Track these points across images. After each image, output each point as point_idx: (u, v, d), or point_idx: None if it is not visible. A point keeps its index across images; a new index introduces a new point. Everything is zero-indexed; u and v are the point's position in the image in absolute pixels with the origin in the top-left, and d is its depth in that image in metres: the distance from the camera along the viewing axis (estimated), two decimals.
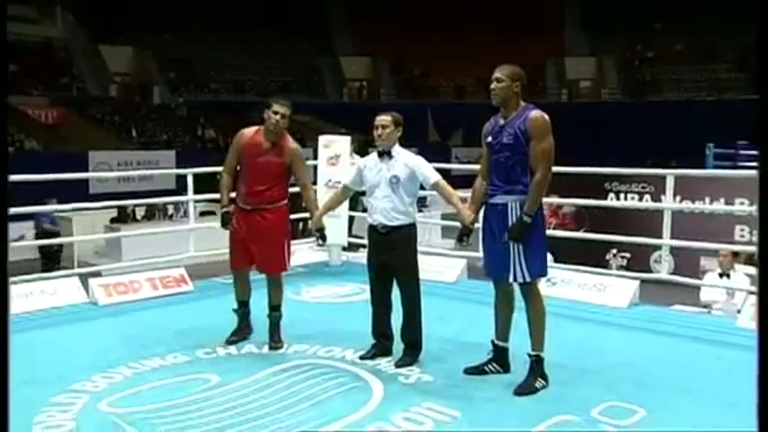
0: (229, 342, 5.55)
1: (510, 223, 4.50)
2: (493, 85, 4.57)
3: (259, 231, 5.44)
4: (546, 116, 4.51)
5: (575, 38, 37.55)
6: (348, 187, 5.49)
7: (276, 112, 5.33)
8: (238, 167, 5.58)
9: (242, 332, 5.67)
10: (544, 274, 4.76)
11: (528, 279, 4.56)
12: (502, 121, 4.59)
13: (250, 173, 5.45)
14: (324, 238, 5.49)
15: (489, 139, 4.63)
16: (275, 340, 5.52)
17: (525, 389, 4.52)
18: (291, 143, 5.49)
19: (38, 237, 13.10)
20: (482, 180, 4.77)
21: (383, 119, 5.09)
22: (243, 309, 5.73)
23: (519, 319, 4.75)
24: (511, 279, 4.58)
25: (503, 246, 4.53)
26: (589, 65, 36.40)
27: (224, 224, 5.55)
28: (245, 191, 5.48)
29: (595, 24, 36.50)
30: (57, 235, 13.47)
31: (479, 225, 4.81)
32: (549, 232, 8.82)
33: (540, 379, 4.57)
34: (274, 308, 5.61)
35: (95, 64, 31.84)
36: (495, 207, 4.61)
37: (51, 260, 13.45)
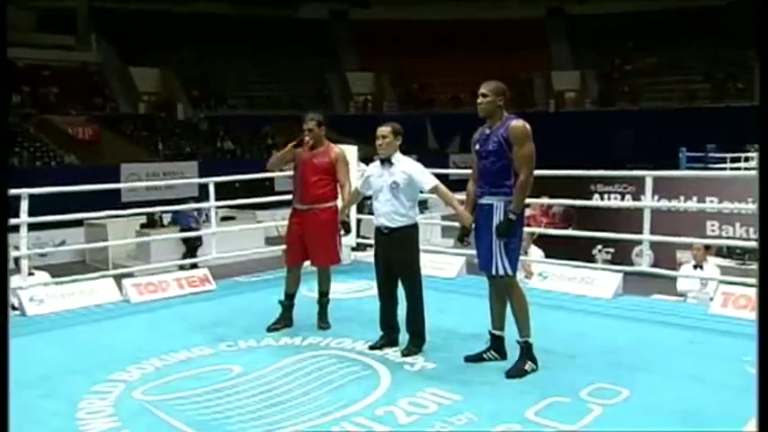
0: (271, 329, 5.67)
1: (495, 221, 4.54)
2: (479, 100, 4.64)
3: (315, 228, 5.66)
4: (526, 125, 4.55)
5: (560, 53, 37.53)
6: (359, 191, 5.57)
7: (303, 130, 5.71)
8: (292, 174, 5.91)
9: (284, 321, 5.78)
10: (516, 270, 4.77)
11: (510, 273, 4.58)
12: (487, 131, 4.63)
13: (306, 174, 5.68)
14: (348, 229, 5.67)
15: (477, 146, 4.69)
16: (323, 322, 5.74)
17: (516, 372, 4.52)
18: (335, 147, 5.82)
19: (181, 231, 14.09)
20: (473, 184, 4.79)
21: (383, 130, 5.10)
22: (289, 301, 5.86)
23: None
24: (493, 272, 4.60)
25: (488, 242, 4.58)
26: (573, 78, 36.35)
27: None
28: (301, 192, 5.71)
29: (578, 41, 36.50)
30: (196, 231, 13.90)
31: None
32: (541, 230, 8.89)
33: (529, 362, 4.57)
34: (323, 294, 5.82)
35: (126, 84, 31.96)
36: (482, 207, 4.66)
37: (191, 251, 14.06)
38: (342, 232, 5.63)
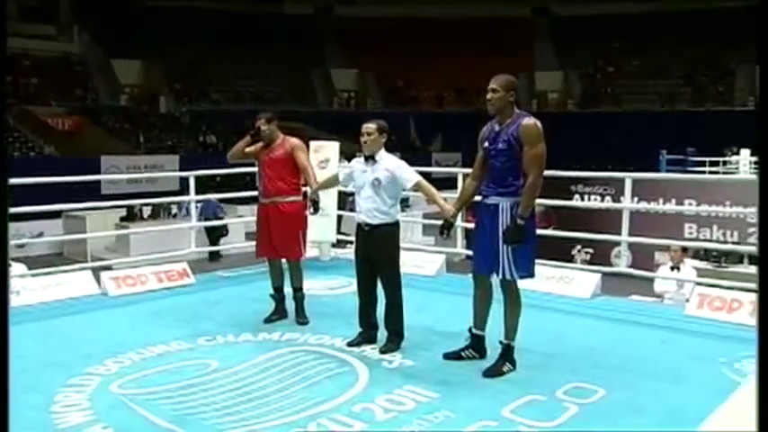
0: (268, 321, 5.76)
1: (500, 221, 4.43)
2: (489, 95, 4.46)
3: (277, 222, 5.72)
4: (538, 123, 4.42)
5: (544, 54, 37.65)
6: (338, 178, 5.65)
7: (257, 128, 5.80)
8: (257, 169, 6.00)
9: (279, 313, 5.87)
10: (531, 275, 4.63)
11: (515, 277, 4.51)
12: (497, 128, 4.50)
13: (264, 170, 5.80)
14: (317, 208, 5.64)
15: (486, 144, 4.56)
16: (301, 316, 5.78)
17: (493, 372, 4.53)
18: (290, 138, 5.89)
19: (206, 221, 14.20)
20: (472, 181, 4.73)
21: (368, 127, 5.09)
22: (278, 294, 5.93)
23: (495, 309, 4.74)
24: (499, 276, 4.52)
25: (492, 243, 4.48)
26: (556, 78, 36.50)
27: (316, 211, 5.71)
28: (262, 187, 5.81)
29: (562, 42, 36.66)
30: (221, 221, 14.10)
31: (462, 222, 4.79)
32: None
33: (507, 364, 4.57)
34: (297, 289, 5.85)
35: (108, 76, 31.68)
36: (487, 206, 4.55)
37: (215, 239, 14.29)
38: (311, 210, 5.67)
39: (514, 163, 4.41)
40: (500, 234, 4.44)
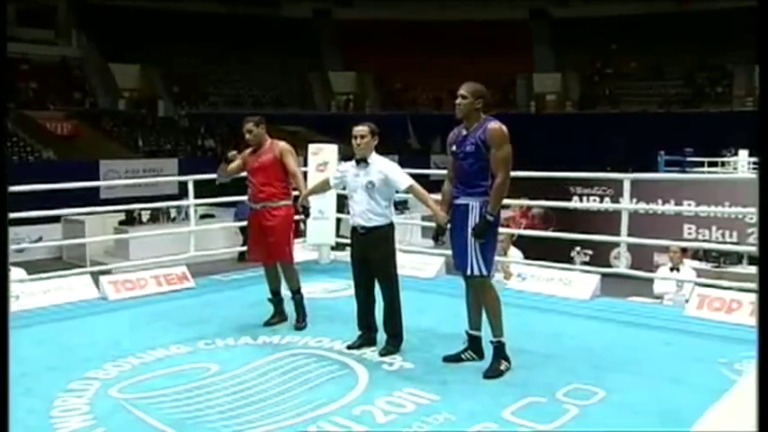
0: (268, 324, 5.76)
1: (471, 221, 4.54)
2: (458, 101, 4.63)
3: (268, 226, 5.70)
4: (503, 127, 4.57)
5: (542, 56, 37.70)
6: (329, 182, 5.59)
7: (244, 131, 5.79)
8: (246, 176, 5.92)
9: (279, 316, 5.87)
10: (492, 270, 4.80)
11: (485, 273, 4.59)
12: (465, 132, 4.64)
13: (253, 175, 5.76)
14: (307, 214, 5.70)
15: (454, 147, 4.70)
16: (299, 320, 5.76)
17: (492, 372, 4.54)
18: (279, 142, 5.86)
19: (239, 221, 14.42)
20: (449, 183, 4.81)
21: (360, 129, 5.09)
22: (276, 297, 5.92)
23: None
24: (468, 272, 4.60)
25: (463, 242, 4.59)
26: (555, 80, 36.53)
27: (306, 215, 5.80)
28: (252, 192, 5.78)
29: (560, 44, 36.70)
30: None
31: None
32: (521, 231, 8.91)
33: (503, 362, 4.60)
34: (295, 292, 5.85)
35: (106, 80, 31.69)
36: (458, 207, 4.66)
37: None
38: (302, 216, 5.71)
39: (482, 164, 4.54)
40: (470, 232, 4.55)
